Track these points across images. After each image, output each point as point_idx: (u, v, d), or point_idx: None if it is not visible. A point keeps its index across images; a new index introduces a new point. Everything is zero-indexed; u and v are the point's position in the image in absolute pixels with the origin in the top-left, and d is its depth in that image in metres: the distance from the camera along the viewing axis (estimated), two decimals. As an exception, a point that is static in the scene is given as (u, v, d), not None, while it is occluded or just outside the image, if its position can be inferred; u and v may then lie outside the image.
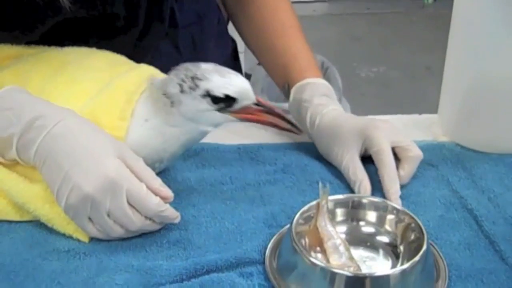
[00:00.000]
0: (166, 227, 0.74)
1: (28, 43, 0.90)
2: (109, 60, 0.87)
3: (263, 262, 0.69)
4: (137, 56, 0.88)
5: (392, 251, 0.70)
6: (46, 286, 0.67)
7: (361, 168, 0.82)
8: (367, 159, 0.83)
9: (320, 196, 0.70)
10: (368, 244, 0.71)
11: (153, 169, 0.77)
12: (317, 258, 0.66)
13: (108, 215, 0.70)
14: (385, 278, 0.63)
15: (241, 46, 1.20)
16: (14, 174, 0.75)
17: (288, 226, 0.69)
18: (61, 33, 0.89)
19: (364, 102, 2.74)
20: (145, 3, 0.92)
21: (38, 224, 0.75)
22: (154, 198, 0.70)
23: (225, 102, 0.74)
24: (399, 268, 0.65)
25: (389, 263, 0.69)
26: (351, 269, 0.65)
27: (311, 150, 0.90)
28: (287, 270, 0.67)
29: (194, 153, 0.89)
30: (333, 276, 0.63)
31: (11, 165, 0.76)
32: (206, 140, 0.89)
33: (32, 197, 0.74)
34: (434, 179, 0.84)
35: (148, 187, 0.70)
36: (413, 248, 0.67)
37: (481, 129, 0.90)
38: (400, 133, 0.84)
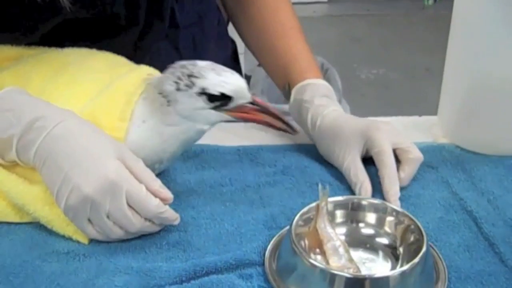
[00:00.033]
0: (166, 228, 0.74)
1: (28, 44, 0.90)
2: (109, 61, 0.87)
3: (263, 264, 0.69)
4: (137, 57, 0.88)
5: (391, 252, 0.70)
6: (45, 287, 0.66)
7: (362, 169, 0.82)
8: (367, 161, 0.83)
9: (320, 197, 0.70)
10: (368, 245, 0.71)
11: (153, 170, 0.77)
12: (316, 260, 0.66)
13: (108, 217, 0.70)
14: (384, 280, 0.63)
15: (241, 47, 1.20)
16: (13, 176, 0.75)
17: (287, 227, 0.69)
18: (61, 34, 0.89)
19: (364, 103, 2.74)
20: (145, 3, 0.92)
21: (38, 226, 0.75)
22: (154, 200, 0.70)
23: (220, 101, 0.74)
24: (398, 269, 0.65)
25: (388, 264, 0.69)
26: (351, 270, 0.65)
27: (311, 152, 0.90)
28: (287, 272, 0.67)
29: (194, 154, 0.89)
30: (332, 277, 0.63)
31: (11, 166, 0.76)
32: (205, 141, 0.90)
33: (32, 199, 0.74)
34: (433, 181, 0.84)
35: (147, 189, 0.70)
36: (413, 250, 0.67)
37: (481, 131, 0.90)
38: (401, 135, 0.84)
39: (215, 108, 0.74)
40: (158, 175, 0.78)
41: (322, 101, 0.89)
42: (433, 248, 0.71)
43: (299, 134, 0.93)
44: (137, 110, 0.76)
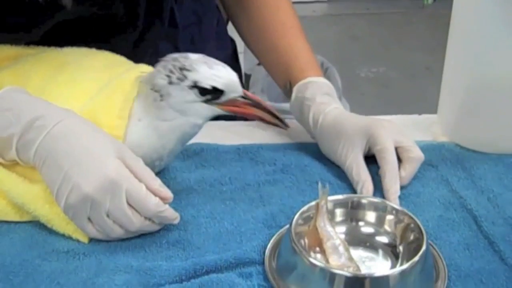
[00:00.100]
0: (166, 227, 0.74)
1: (28, 43, 0.90)
2: (108, 61, 0.87)
3: (263, 263, 0.69)
4: (136, 57, 0.88)
5: (391, 251, 0.70)
6: (45, 286, 0.67)
7: (364, 168, 0.82)
8: (368, 159, 0.83)
9: (320, 196, 0.70)
10: (368, 244, 0.71)
11: (153, 167, 0.77)
12: (316, 259, 0.66)
13: (108, 215, 0.70)
14: (384, 279, 0.63)
15: (240, 46, 1.20)
16: (13, 175, 0.75)
17: (287, 226, 0.69)
18: (61, 34, 0.90)
19: (364, 102, 2.74)
20: (145, 3, 0.92)
21: (38, 225, 0.75)
22: (154, 199, 0.70)
23: (212, 94, 0.74)
24: (398, 268, 0.65)
25: (388, 263, 0.69)
26: (351, 269, 0.65)
27: (311, 150, 0.90)
28: (287, 271, 0.67)
29: (194, 153, 0.89)
30: (332, 276, 0.63)
31: (11, 165, 0.76)
32: (205, 140, 0.90)
33: (32, 198, 0.74)
34: (433, 179, 0.84)
35: (147, 188, 0.70)
36: (413, 249, 0.67)
37: (481, 129, 0.90)
38: (404, 133, 0.84)
39: (206, 101, 0.74)
40: (158, 173, 0.78)
41: (324, 99, 0.89)
42: (433, 246, 0.71)
43: (299, 133, 0.93)
44: (134, 109, 0.76)
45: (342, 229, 0.72)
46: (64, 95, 0.79)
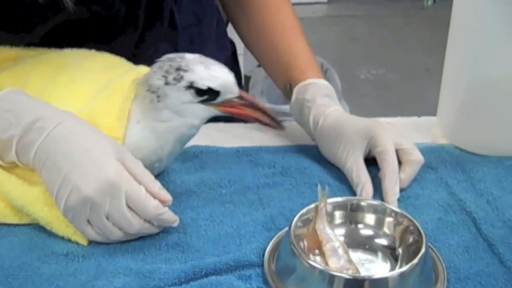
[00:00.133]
0: (165, 230, 0.74)
1: (28, 45, 0.90)
2: (108, 62, 0.87)
3: (262, 265, 0.69)
4: (136, 58, 0.88)
5: (390, 253, 0.70)
6: (44, 289, 0.67)
7: (364, 171, 0.82)
8: (367, 162, 0.83)
9: (319, 198, 0.70)
10: (367, 246, 0.71)
11: (153, 169, 0.77)
12: (315, 261, 0.66)
13: (107, 218, 0.70)
14: (383, 281, 0.63)
15: (240, 48, 1.20)
16: (13, 177, 0.75)
17: (287, 229, 0.69)
18: (61, 35, 0.90)
19: (363, 104, 2.74)
20: (145, 4, 0.92)
21: (37, 227, 0.75)
22: (153, 201, 0.70)
23: (208, 95, 0.74)
24: (397, 270, 0.65)
25: (387, 265, 0.69)
26: (350, 271, 0.65)
27: (310, 153, 0.90)
28: (286, 273, 0.67)
29: (193, 156, 0.89)
30: (331, 278, 0.63)
31: (10, 167, 0.76)
32: (205, 142, 0.90)
33: (31, 200, 0.73)
34: (432, 181, 0.84)
35: (147, 190, 0.70)
36: (412, 251, 0.67)
37: (480, 132, 0.90)
38: (404, 136, 0.84)
39: (202, 102, 0.74)
40: (157, 176, 0.78)
41: (324, 101, 0.89)
42: (432, 249, 0.71)
43: (299, 135, 0.93)
44: (132, 111, 0.76)
45: (341, 231, 0.72)
46: (63, 97, 0.79)
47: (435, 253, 0.70)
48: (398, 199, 0.79)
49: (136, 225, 0.70)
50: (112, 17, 0.91)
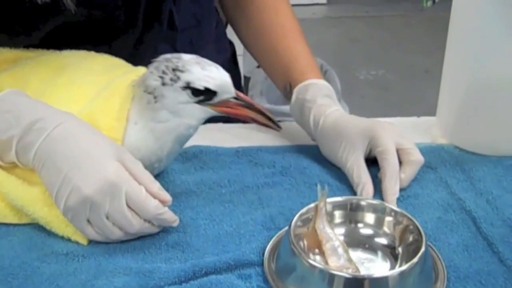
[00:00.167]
0: (165, 229, 0.74)
1: (27, 46, 0.90)
2: (107, 64, 0.87)
3: (262, 264, 0.69)
4: (135, 59, 0.88)
5: (390, 253, 0.70)
6: (44, 288, 0.67)
7: (365, 171, 0.82)
8: (367, 162, 0.83)
9: (319, 198, 0.70)
10: (367, 246, 0.71)
11: (153, 169, 0.77)
12: (315, 260, 0.66)
13: (107, 218, 0.70)
14: (383, 280, 0.63)
15: (239, 49, 1.20)
16: (12, 177, 0.75)
17: (286, 228, 0.69)
18: (60, 37, 0.90)
19: (363, 104, 2.75)
20: (144, 4, 0.93)
21: (37, 227, 0.75)
22: (153, 201, 0.70)
23: (205, 95, 0.74)
24: (397, 269, 0.65)
25: (387, 264, 0.69)
26: (350, 270, 0.66)
27: (310, 153, 0.90)
28: (286, 272, 0.67)
29: (193, 155, 0.89)
30: (331, 278, 0.63)
31: (10, 168, 0.76)
32: (204, 143, 0.90)
33: (31, 200, 0.74)
34: (432, 181, 0.84)
35: (147, 191, 0.70)
36: (412, 250, 0.67)
37: (480, 131, 0.90)
38: (404, 136, 0.84)
39: (199, 102, 0.74)
40: (157, 176, 0.78)
41: (324, 101, 0.89)
42: (432, 248, 0.71)
43: (298, 135, 0.93)
44: (130, 112, 0.77)
45: (341, 230, 0.73)
46: (63, 98, 0.79)
47: (435, 252, 0.70)
48: (398, 199, 0.79)
49: (136, 224, 0.70)
50: (111, 19, 0.91)
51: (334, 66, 2.31)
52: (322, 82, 0.92)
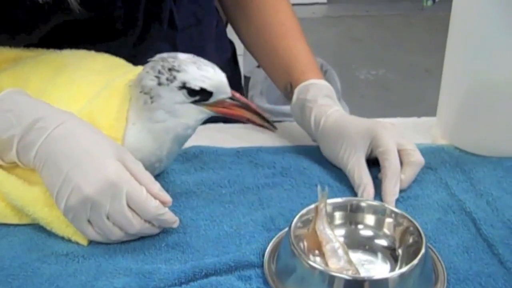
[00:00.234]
0: (165, 230, 0.74)
1: (27, 46, 0.90)
2: (107, 63, 0.87)
3: (262, 266, 0.69)
4: (135, 58, 0.88)
5: (390, 254, 0.70)
6: (44, 289, 0.67)
7: (366, 172, 0.82)
8: (367, 163, 0.83)
9: (319, 199, 0.70)
10: (367, 247, 0.71)
11: (153, 169, 0.77)
12: (315, 262, 0.66)
13: (108, 218, 0.70)
14: (383, 282, 0.63)
15: (240, 48, 1.20)
16: (13, 177, 0.75)
17: (286, 229, 0.69)
18: (60, 36, 0.90)
19: (363, 104, 2.74)
20: (144, 4, 0.92)
21: (37, 227, 0.75)
22: (154, 201, 0.70)
23: (200, 95, 0.74)
24: (397, 271, 0.65)
25: (387, 266, 0.69)
26: (350, 272, 0.65)
27: (310, 153, 0.90)
28: (286, 274, 0.67)
29: (193, 156, 0.89)
30: (331, 279, 0.63)
31: (11, 167, 0.76)
32: (204, 143, 0.90)
33: (31, 200, 0.74)
34: (432, 182, 0.84)
35: (147, 191, 0.70)
36: (412, 252, 0.67)
37: (480, 132, 0.90)
38: (405, 136, 0.84)
39: (195, 102, 0.74)
40: (157, 176, 0.78)
41: (325, 101, 0.89)
42: (432, 249, 0.71)
43: (299, 136, 0.93)
44: (129, 112, 0.77)
45: (341, 232, 0.73)
46: (63, 97, 0.79)
47: (435, 254, 0.70)
48: (398, 200, 0.79)
49: (137, 225, 0.70)
50: (111, 18, 0.91)
51: (334, 65, 2.31)
52: (323, 82, 0.92)
